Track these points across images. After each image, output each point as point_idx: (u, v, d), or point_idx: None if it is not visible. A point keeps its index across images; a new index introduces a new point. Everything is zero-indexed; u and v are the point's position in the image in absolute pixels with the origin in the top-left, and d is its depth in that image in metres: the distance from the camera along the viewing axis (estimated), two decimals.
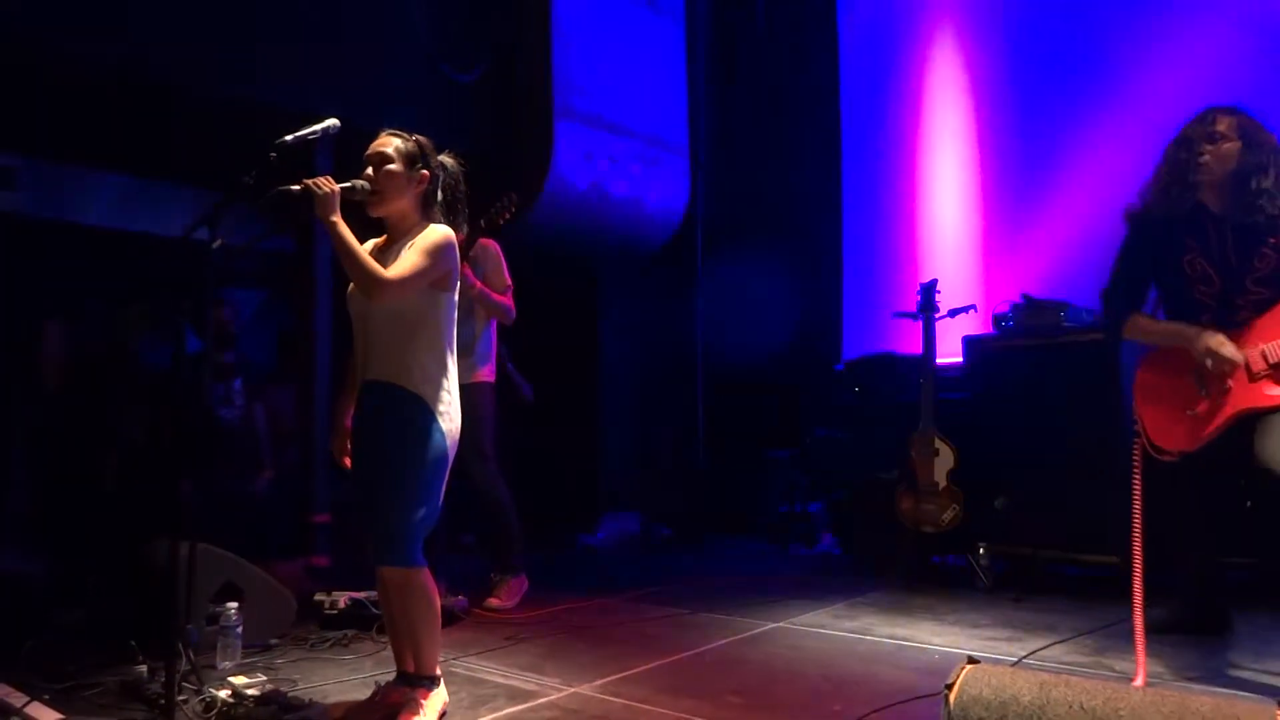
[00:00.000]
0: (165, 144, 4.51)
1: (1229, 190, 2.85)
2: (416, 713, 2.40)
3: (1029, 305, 4.32)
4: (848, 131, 6.12)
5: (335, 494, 4.41)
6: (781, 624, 3.54)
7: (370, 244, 2.59)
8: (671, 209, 6.07)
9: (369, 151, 2.53)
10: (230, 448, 4.75)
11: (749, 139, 6.50)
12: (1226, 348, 2.77)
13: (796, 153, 6.22)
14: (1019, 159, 5.20)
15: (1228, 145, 2.83)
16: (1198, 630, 3.15)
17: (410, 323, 2.45)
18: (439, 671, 2.52)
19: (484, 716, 2.52)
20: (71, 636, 3.18)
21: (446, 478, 2.49)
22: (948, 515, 4.24)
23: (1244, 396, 2.76)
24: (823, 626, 3.51)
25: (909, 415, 4.42)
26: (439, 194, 2.58)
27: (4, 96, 3.90)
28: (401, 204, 2.52)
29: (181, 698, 2.45)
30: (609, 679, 2.84)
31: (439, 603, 2.51)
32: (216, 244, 2.43)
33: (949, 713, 1.77)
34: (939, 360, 4.42)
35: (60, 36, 3.70)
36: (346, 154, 2.72)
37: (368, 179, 2.49)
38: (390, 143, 2.53)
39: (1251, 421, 2.74)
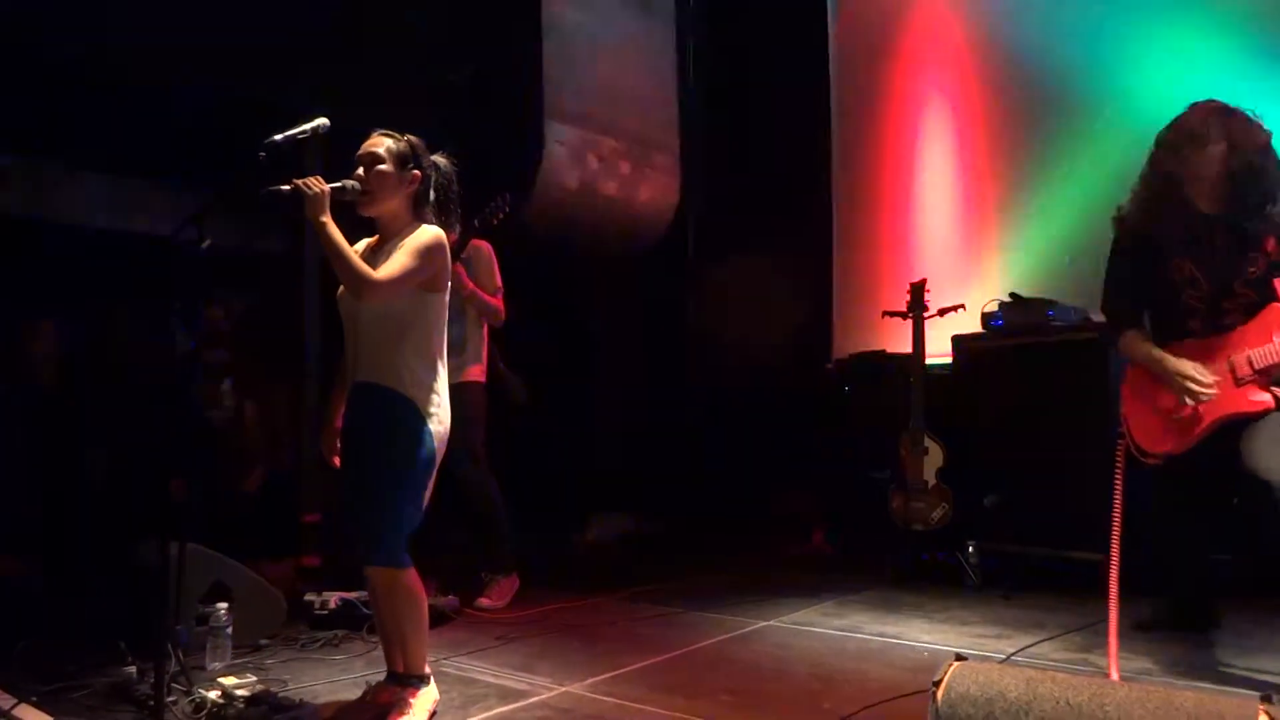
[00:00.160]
0: (155, 143, 4.49)
1: (1217, 192, 2.79)
2: (405, 712, 2.41)
3: (1017, 304, 4.34)
4: (838, 131, 6.14)
5: (325, 494, 4.40)
6: (772, 622, 3.55)
7: (362, 244, 2.58)
8: (662, 208, 6.07)
9: (360, 151, 2.52)
10: (220, 447, 4.73)
11: (739, 139, 6.51)
12: (1200, 384, 2.72)
13: (786, 152, 6.23)
14: (1008, 159, 5.22)
15: (1214, 147, 2.75)
16: (1186, 627, 3.16)
17: (400, 324, 2.45)
18: (428, 670, 2.52)
19: (475, 716, 2.52)
20: (62, 637, 3.17)
21: (433, 478, 2.49)
22: (937, 513, 4.26)
23: (1229, 402, 2.74)
24: (813, 625, 3.52)
25: (899, 414, 4.44)
26: (431, 194, 2.57)
27: None
28: (393, 204, 2.52)
29: (171, 699, 2.45)
30: (600, 678, 2.85)
31: (426, 602, 2.51)
32: (205, 243, 2.43)
33: (936, 710, 1.78)
34: (929, 359, 4.44)
35: (50, 34, 3.68)
36: (337, 154, 2.72)
37: (358, 179, 2.49)
38: (381, 143, 2.52)
39: (1236, 426, 2.72)
